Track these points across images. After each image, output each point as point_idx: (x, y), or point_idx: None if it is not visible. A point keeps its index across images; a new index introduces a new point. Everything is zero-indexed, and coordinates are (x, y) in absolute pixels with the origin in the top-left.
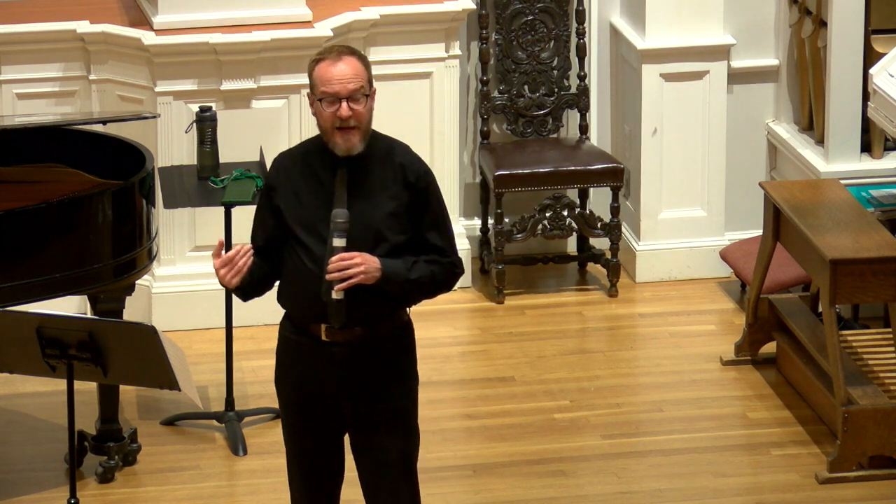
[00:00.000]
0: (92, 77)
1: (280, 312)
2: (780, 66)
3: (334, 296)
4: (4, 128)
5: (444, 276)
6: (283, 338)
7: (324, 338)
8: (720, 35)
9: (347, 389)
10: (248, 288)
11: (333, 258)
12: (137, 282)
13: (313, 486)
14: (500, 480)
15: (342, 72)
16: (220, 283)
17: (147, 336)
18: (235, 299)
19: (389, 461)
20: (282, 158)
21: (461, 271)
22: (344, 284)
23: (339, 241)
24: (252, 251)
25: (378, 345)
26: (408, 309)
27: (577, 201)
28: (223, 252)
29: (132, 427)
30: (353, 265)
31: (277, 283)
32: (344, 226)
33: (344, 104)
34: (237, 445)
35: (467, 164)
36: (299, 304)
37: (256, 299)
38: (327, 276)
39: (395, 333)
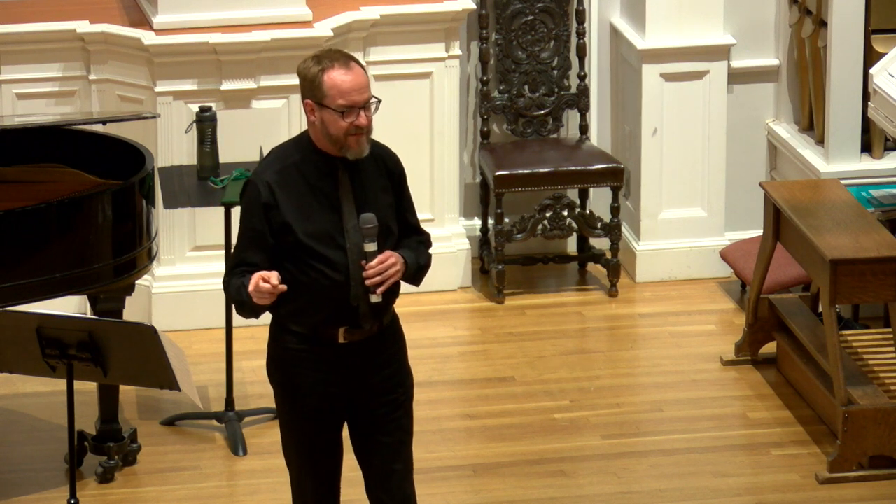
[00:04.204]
0: (92, 77)
1: None
2: (780, 66)
3: (373, 299)
4: (4, 128)
5: (429, 252)
6: (287, 350)
7: (341, 340)
8: (720, 35)
9: (362, 383)
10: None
11: (372, 263)
12: (137, 282)
13: (321, 483)
14: (500, 480)
15: (358, 82)
16: (257, 301)
17: (147, 336)
18: None
19: (404, 443)
20: (268, 175)
21: (431, 244)
22: (384, 287)
23: (371, 246)
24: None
25: (384, 336)
26: None
27: (577, 201)
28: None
29: (132, 427)
30: (391, 266)
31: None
32: (374, 230)
33: (362, 114)
34: (237, 445)
35: (467, 164)
36: (321, 313)
37: None
38: (368, 282)
39: (393, 320)
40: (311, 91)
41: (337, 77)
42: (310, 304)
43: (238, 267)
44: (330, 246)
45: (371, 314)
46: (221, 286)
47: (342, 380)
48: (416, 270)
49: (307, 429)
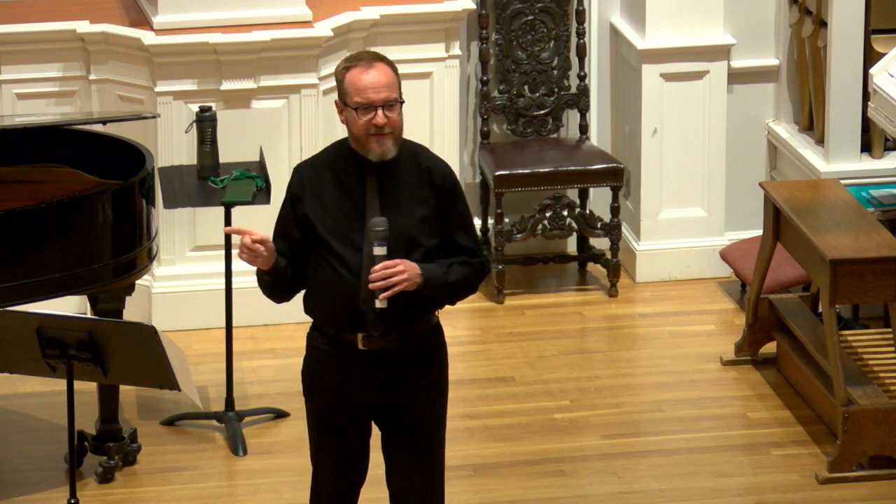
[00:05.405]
0: (92, 77)
1: (281, 314)
2: (780, 66)
3: (378, 305)
4: (4, 128)
5: (476, 277)
6: (315, 349)
7: (360, 346)
8: (720, 35)
9: (385, 395)
10: (281, 280)
11: (376, 267)
12: (137, 282)
13: (340, 488)
14: (500, 480)
15: (376, 80)
16: (243, 259)
17: (147, 336)
18: (235, 299)
19: (423, 461)
20: (304, 168)
21: (489, 270)
22: (388, 293)
23: (380, 250)
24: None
25: (413, 349)
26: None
27: (577, 201)
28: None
29: (132, 427)
30: (397, 273)
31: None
32: (384, 234)
33: (380, 112)
34: (237, 445)
35: (467, 164)
36: (334, 313)
37: (255, 299)
38: (371, 286)
39: (428, 336)
40: (338, 90)
41: (356, 75)
42: (325, 300)
43: None
44: (346, 245)
45: (378, 321)
46: (223, 286)
47: (362, 387)
48: (442, 286)
49: (326, 428)
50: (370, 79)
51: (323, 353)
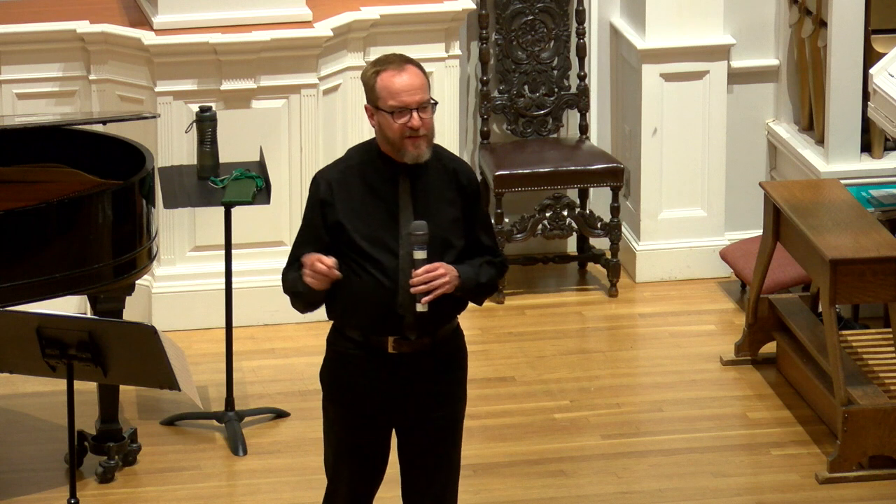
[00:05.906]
0: (92, 77)
1: (281, 315)
2: (780, 66)
3: (419, 308)
4: (4, 128)
5: (499, 276)
6: (339, 353)
7: (390, 350)
8: (720, 35)
9: (411, 396)
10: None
11: (418, 271)
12: (137, 282)
13: (359, 488)
14: (500, 480)
15: (409, 82)
16: (309, 283)
17: (147, 336)
18: (235, 299)
19: (442, 462)
20: (331, 173)
21: (507, 269)
22: (430, 296)
23: (420, 254)
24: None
25: (440, 351)
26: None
27: (577, 201)
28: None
29: (132, 427)
30: (439, 276)
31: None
32: (425, 238)
33: (415, 114)
34: (237, 445)
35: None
36: (367, 317)
37: (255, 299)
38: (413, 290)
39: (453, 338)
40: (368, 95)
41: (388, 78)
42: (358, 306)
43: (296, 262)
44: (382, 250)
45: (416, 325)
46: (223, 286)
47: (389, 390)
48: (475, 287)
49: (349, 432)
50: (403, 82)
51: (347, 356)
